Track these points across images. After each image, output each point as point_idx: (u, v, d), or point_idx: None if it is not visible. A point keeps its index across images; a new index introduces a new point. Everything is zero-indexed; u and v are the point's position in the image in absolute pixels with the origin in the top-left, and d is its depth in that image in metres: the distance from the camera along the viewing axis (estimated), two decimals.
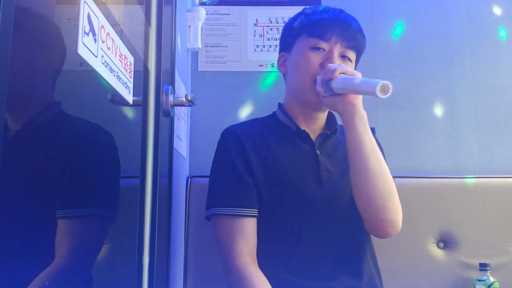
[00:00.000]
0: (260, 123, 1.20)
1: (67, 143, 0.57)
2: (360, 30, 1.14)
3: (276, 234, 1.07)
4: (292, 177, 1.08)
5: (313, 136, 1.16)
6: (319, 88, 1.06)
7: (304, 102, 1.14)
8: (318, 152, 1.13)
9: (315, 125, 1.18)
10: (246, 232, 1.03)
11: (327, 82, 1.04)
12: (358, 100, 1.05)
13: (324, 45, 1.11)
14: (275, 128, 1.17)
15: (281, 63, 1.22)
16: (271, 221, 1.07)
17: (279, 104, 1.22)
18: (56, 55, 0.54)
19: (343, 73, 1.03)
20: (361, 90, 0.99)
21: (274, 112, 1.22)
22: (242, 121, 1.23)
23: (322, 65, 1.09)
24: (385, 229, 1.04)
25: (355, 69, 1.17)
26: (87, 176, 0.62)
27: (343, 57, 1.12)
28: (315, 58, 1.10)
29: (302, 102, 1.15)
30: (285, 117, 1.17)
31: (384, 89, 0.94)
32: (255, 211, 1.06)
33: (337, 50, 1.11)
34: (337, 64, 1.05)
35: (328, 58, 1.10)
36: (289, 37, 1.18)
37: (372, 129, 1.19)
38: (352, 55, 1.14)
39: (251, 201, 1.06)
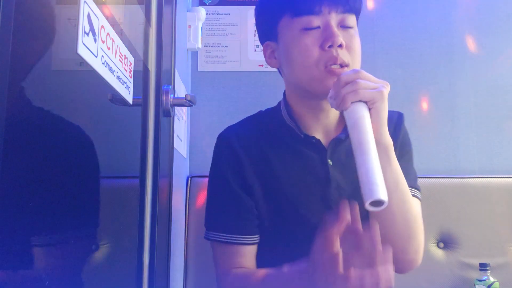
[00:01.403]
0: (261, 123, 1.02)
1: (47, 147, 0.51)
2: None
3: (277, 262, 0.91)
4: (295, 199, 0.94)
5: (325, 140, 0.97)
6: (332, 106, 0.83)
7: (312, 97, 0.94)
8: (330, 162, 0.96)
9: (327, 121, 0.97)
10: (244, 260, 0.94)
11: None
12: (383, 127, 0.81)
13: (316, 20, 0.89)
14: (278, 132, 0.99)
15: (269, 55, 0.99)
16: (272, 246, 0.95)
17: (284, 96, 1.02)
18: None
19: (358, 100, 0.78)
20: (359, 171, 0.74)
21: (279, 107, 1.02)
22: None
23: (322, 47, 0.87)
24: (401, 267, 0.90)
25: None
26: (70, 193, 0.56)
27: (343, 27, 0.90)
28: (311, 42, 0.88)
29: (308, 98, 0.95)
30: (291, 119, 0.97)
31: (376, 204, 0.71)
32: (255, 238, 0.95)
33: (334, 21, 0.89)
34: (351, 80, 0.78)
35: (327, 36, 0.87)
36: (269, 22, 0.96)
37: (400, 116, 1.03)
38: (352, 20, 0.92)
39: (251, 227, 0.95)
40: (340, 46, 0.87)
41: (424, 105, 1.67)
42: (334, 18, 0.89)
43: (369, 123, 0.76)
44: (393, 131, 0.97)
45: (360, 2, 0.94)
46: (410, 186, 0.93)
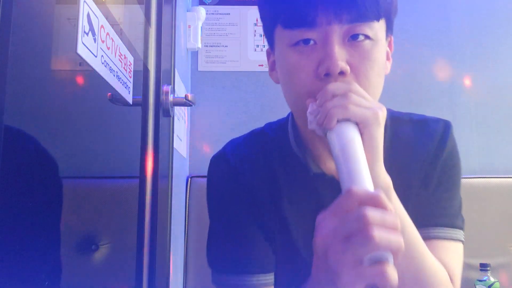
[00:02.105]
0: (266, 144, 0.79)
1: None
2: None
3: None
4: (306, 246, 0.74)
5: None
6: (312, 126, 0.62)
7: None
8: None
9: None
10: None
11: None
12: (378, 162, 0.60)
13: (311, 34, 0.64)
14: (286, 160, 0.77)
15: (271, 65, 0.76)
16: None
17: (292, 116, 0.78)
18: None
19: (347, 118, 0.59)
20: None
21: (286, 125, 0.79)
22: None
23: (317, 75, 0.64)
24: None
25: (390, 42, 0.75)
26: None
27: (354, 38, 0.64)
28: (303, 65, 0.65)
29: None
30: (299, 146, 0.75)
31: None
32: (271, 278, 0.75)
33: (337, 35, 0.63)
34: (340, 93, 0.59)
35: (322, 60, 0.63)
36: (266, 27, 0.75)
37: (447, 126, 0.80)
38: (369, 28, 0.64)
39: (270, 264, 0.75)
40: (342, 73, 0.63)
41: (424, 105, 1.67)
42: (337, 31, 0.63)
43: (362, 151, 0.57)
44: (436, 146, 0.76)
45: (389, 2, 0.68)
46: (446, 225, 0.73)
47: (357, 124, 0.59)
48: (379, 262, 0.47)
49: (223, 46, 1.68)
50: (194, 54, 1.66)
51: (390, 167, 0.66)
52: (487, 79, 1.69)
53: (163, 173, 0.92)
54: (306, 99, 0.64)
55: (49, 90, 0.54)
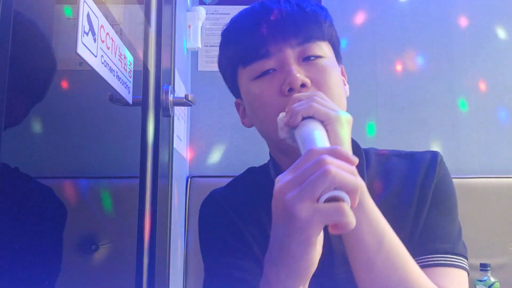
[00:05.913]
0: (251, 186, 0.84)
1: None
2: (305, 8, 0.74)
3: None
4: None
5: None
6: (282, 134, 0.66)
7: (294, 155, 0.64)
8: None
9: None
10: None
11: (291, 129, 0.65)
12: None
13: (269, 64, 0.73)
14: (267, 193, 0.71)
15: (242, 113, 0.83)
16: None
17: (271, 154, 0.84)
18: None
19: (310, 116, 0.63)
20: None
21: (268, 166, 0.84)
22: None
23: (281, 92, 0.70)
24: None
25: (342, 70, 0.80)
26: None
27: (307, 59, 0.73)
28: (267, 89, 0.72)
29: (291, 157, 0.67)
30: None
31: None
32: None
33: (291, 57, 0.72)
34: (306, 99, 0.64)
35: (285, 75, 0.70)
36: (229, 77, 0.83)
37: (435, 156, 0.80)
38: (319, 48, 0.73)
39: None
40: (304, 85, 0.69)
41: (425, 105, 1.67)
42: (290, 54, 0.72)
43: (326, 139, 0.60)
44: (424, 175, 0.78)
45: (328, 26, 0.75)
46: (445, 251, 0.72)
47: (321, 122, 0.63)
48: (335, 200, 0.49)
49: None
50: (194, 54, 1.66)
51: (381, 194, 0.72)
52: (488, 79, 1.69)
53: (163, 173, 0.92)
54: (275, 118, 0.68)
55: (49, 90, 0.53)
